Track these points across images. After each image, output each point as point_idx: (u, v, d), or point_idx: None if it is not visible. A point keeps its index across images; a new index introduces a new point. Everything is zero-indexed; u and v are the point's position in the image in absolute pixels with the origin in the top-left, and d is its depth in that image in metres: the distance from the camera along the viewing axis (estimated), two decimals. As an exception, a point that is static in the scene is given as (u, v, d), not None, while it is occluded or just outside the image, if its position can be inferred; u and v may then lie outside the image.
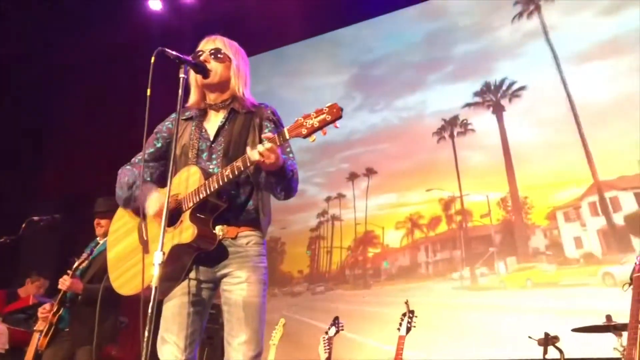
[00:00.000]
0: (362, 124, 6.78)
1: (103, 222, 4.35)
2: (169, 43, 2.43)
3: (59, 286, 4.01)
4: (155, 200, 2.35)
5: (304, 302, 6.46)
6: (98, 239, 4.40)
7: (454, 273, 5.59)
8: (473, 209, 5.70)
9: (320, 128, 2.13)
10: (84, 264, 4.12)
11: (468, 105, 5.97)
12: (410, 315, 3.95)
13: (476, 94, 5.97)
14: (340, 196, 6.81)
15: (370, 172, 6.67)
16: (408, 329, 3.91)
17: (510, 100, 5.73)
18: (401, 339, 3.87)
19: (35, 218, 4.26)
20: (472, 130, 5.92)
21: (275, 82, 7.28)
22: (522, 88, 5.67)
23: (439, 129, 6.13)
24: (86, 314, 3.98)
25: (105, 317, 3.88)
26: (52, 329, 3.99)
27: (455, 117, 6.07)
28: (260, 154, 2.17)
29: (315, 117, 2.13)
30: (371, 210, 6.51)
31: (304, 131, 2.14)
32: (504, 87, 5.81)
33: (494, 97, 5.86)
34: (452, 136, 6.04)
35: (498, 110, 5.82)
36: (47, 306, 4.10)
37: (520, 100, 5.64)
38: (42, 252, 7.02)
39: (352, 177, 6.81)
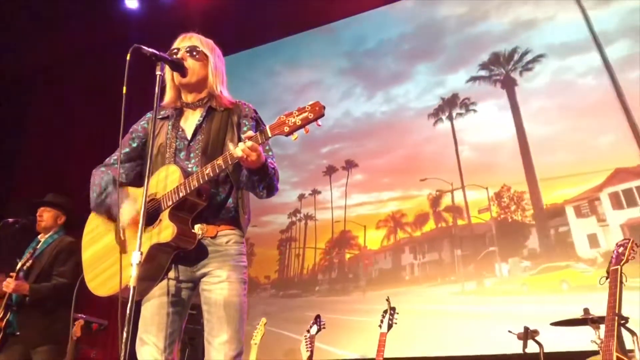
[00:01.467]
0: (341, 115, 6.34)
1: (45, 215, 4.27)
2: (147, 42, 2.40)
3: (4, 289, 3.91)
4: (129, 209, 2.31)
5: (272, 311, 5.83)
6: (39, 237, 4.32)
7: (451, 276, 5.15)
8: (467, 204, 5.26)
9: (302, 126, 2.12)
10: (27, 264, 4.03)
11: (473, 79, 5.42)
12: (392, 312, 3.97)
13: (483, 66, 5.40)
14: (316, 192, 6.24)
15: (350, 164, 6.13)
16: (389, 326, 3.94)
17: (521, 73, 5.17)
18: (382, 336, 3.89)
19: (10, 220, 4.19)
20: (474, 110, 5.41)
21: (258, 79, 6.96)
22: (538, 58, 5.06)
23: (435, 109, 5.64)
24: (36, 315, 3.93)
25: (60, 315, 3.81)
26: (1, 334, 3.91)
27: (455, 96, 5.55)
28: (243, 151, 2.15)
29: (297, 115, 2.12)
30: (350, 207, 6.01)
31: (286, 129, 2.13)
32: (516, 58, 5.22)
33: (503, 69, 5.27)
34: (450, 118, 5.54)
35: (508, 85, 5.26)
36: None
37: (537, 74, 5.03)
38: (18, 255, 6.92)
39: (330, 171, 6.23)
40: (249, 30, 6.76)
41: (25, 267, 4.01)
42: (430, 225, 5.52)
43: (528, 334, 3.51)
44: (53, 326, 3.87)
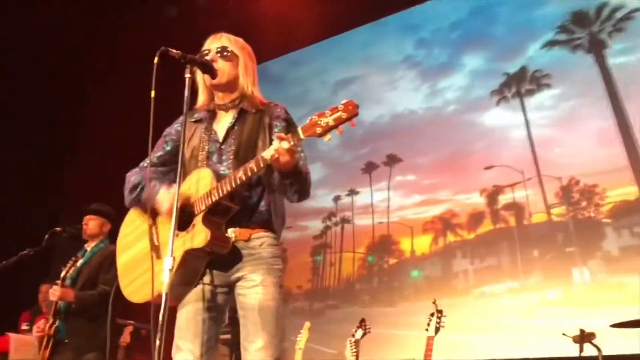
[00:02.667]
0: (382, 110, 5.79)
1: (91, 223, 4.35)
2: (186, 49, 2.40)
3: (50, 297, 4.01)
4: (166, 197, 2.30)
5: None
6: (86, 245, 4.40)
7: (513, 282, 4.61)
8: (532, 199, 4.72)
9: (335, 126, 2.05)
10: (71, 272, 4.10)
11: (550, 44, 4.65)
12: (439, 315, 3.87)
13: (560, 29, 4.62)
14: (353, 193, 5.71)
15: (392, 160, 5.54)
16: (437, 330, 3.83)
17: (610, 35, 4.36)
18: (430, 339, 3.79)
19: (58, 229, 4.28)
20: (547, 85, 4.70)
21: (302, 78, 6.58)
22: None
23: (501, 85, 4.98)
24: (83, 322, 3.99)
25: (105, 322, 3.87)
26: (51, 341, 3.98)
27: (524, 69, 4.85)
28: (276, 151, 2.10)
29: (330, 115, 2.06)
30: (394, 209, 5.52)
31: (319, 130, 2.07)
32: (604, 16, 4.37)
33: (586, 32, 4.41)
34: (519, 95, 4.87)
35: (594, 49, 4.41)
36: (40, 324, 4.12)
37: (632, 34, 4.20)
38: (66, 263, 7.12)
39: (370, 168, 5.64)
40: (286, 34, 6.71)
41: (69, 275, 4.08)
42: (486, 225, 5.02)
43: (584, 337, 3.33)
44: (99, 333, 3.93)
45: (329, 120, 2.06)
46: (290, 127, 2.42)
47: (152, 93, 2.13)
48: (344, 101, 2.07)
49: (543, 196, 4.74)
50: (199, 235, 2.20)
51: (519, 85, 4.91)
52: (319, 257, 5.77)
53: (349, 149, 5.95)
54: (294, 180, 2.27)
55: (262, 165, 2.17)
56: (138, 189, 2.44)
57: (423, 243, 5.37)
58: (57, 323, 4.03)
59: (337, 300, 5.63)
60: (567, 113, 4.75)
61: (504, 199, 4.93)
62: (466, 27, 5.70)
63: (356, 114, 2.05)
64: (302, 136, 2.10)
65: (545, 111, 4.90)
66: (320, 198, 5.94)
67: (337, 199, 5.86)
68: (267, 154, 2.13)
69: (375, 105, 5.97)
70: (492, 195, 5.03)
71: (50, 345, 3.96)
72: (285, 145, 2.10)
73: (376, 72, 6.25)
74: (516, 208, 4.88)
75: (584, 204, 4.50)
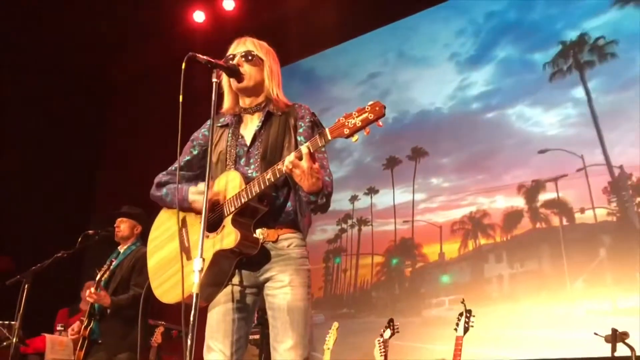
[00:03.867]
0: (405, 106, 5.42)
1: (122, 226, 4.44)
2: (215, 54, 2.44)
3: (87, 298, 4.11)
4: (197, 195, 2.36)
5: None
6: (119, 247, 4.49)
7: (558, 291, 4.16)
8: (573, 197, 4.26)
9: (363, 127, 2.08)
10: (105, 276, 4.19)
11: (618, 2, 3.99)
12: (468, 315, 3.84)
13: None
14: (372, 191, 5.26)
15: (418, 154, 5.10)
16: (466, 329, 3.81)
17: None
18: (459, 339, 3.77)
19: (90, 232, 4.37)
20: (613, 55, 4.10)
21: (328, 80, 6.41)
22: None
23: (555, 56, 4.45)
24: (116, 323, 4.09)
25: (137, 324, 3.95)
26: (86, 342, 4.09)
27: (583, 36, 4.28)
28: (287, 165, 2.15)
29: (357, 117, 2.09)
30: (419, 208, 5.18)
31: (346, 131, 2.09)
32: None
33: None
34: (579, 67, 4.29)
35: None
36: (74, 327, 4.23)
37: None
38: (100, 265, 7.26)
39: (391, 164, 5.21)
40: (312, 36, 6.71)
41: (104, 278, 4.18)
42: (524, 225, 4.65)
43: (617, 337, 3.28)
44: (132, 333, 4.01)
45: (357, 121, 2.08)
46: (316, 128, 2.45)
47: (181, 98, 2.17)
48: (370, 102, 2.10)
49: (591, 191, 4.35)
50: (228, 236, 2.24)
51: (578, 55, 4.38)
52: (337, 258, 5.44)
53: (369, 146, 5.55)
54: (314, 199, 2.29)
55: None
56: (165, 187, 2.51)
57: (451, 246, 5.10)
58: (91, 324, 4.13)
59: (353, 309, 5.33)
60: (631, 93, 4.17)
61: (543, 196, 4.54)
62: (502, 16, 5.42)
63: (383, 115, 2.07)
64: (329, 137, 2.13)
65: (605, 87, 4.42)
66: (335, 198, 5.84)
67: (353, 199, 5.49)
68: (283, 165, 2.18)
69: (402, 101, 5.77)
70: (531, 191, 4.67)
71: (85, 346, 4.06)
72: (294, 160, 2.13)
73: (407, 68, 6.03)
74: (559, 205, 4.48)
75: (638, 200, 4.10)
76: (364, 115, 2.08)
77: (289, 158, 2.16)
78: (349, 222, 5.39)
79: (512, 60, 5.17)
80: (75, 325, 4.23)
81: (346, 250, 5.50)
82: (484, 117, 5.20)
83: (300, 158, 2.15)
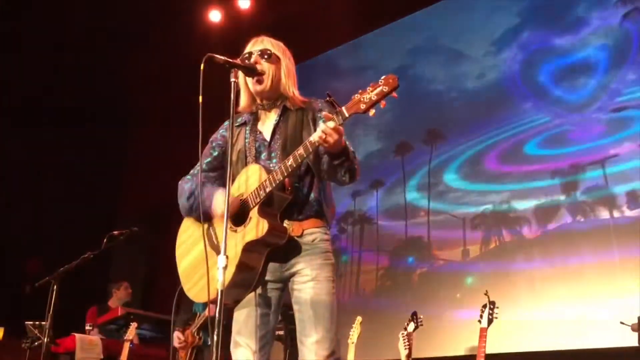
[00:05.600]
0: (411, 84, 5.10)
1: None
2: (232, 53, 2.48)
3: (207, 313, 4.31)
4: (222, 199, 2.36)
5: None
6: None
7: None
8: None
9: (378, 101, 2.14)
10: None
11: None
12: (492, 307, 3.84)
13: None
14: (378, 184, 4.79)
15: (434, 137, 4.65)
16: (490, 321, 3.80)
17: None
18: (483, 331, 3.77)
19: (115, 232, 4.42)
20: None
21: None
22: None
23: None
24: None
25: None
26: (195, 350, 4.39)
27: None
28: (323, 131, 2.16)
29: (372, 91, 2.15)
30: (436, 201, 4.81)
31: (363, 106, 2.15)
32: None
33: None
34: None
35: None
36: (181, 336, 4.43)
37: None
38: (129, 265, 7.39)
39: (402, 149, 4.75)
40: (328, 33, 6.68)
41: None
42: (560, 218, 4.29)
43: (643, 325, 3.25)
44: None
45: (372, 95, 2.14)
46: (333, 108, 2.46)
47: (200, 98, 2.21)
48: (383, 76, 2.15)
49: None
50: (257, 226, 2.27)
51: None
52: (344, 256, 5.06)
53: (379, 134, 5.04)
54: (344, 159, 2.31)
55: (310, 149, 2.23)
56: (194, 197, 2.50)
57: (473, 243, 4.80)
58: (201, 335, 4.44)
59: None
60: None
61: (584, 180, 4.15)
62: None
63: (397, 86, 2.12)
64: (346, 114, 2.18)
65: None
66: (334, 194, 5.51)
67: (355, 194, 5.01)
68: (315, 137, 2.20)
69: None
70: (569, 177, 4.35)
71: (194, 354, 4.36)
72: (332, 124, 2.16)
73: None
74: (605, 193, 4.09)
75: None
76: (379, 89, 2.13)
77: (325, 125, 2.15)
78: (350, 219, 4.98)
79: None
80: (187, 335, 4.43)
81: (348, 250, 5.24)
82: (510, 94, 4.93)
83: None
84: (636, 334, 3.29)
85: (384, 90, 2.12)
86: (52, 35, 6.82)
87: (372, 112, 2.16)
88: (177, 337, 4.39)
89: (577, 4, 4.93)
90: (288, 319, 4.29)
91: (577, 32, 4.84)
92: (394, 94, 2.13)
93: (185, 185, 2.58)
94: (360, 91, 2.17)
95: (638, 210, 4.14)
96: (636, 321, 3.31)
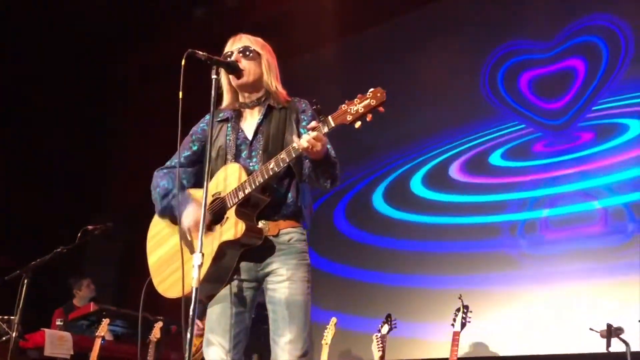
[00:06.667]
0: None
1: None
2: (218, 51, 2.47)
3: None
4: (192, 213, 2.35)
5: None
6: None
7: None
8: None
9: (365, 114, 2.14)
10: None
11: None
12: (465, 311, 3.88)
13: None
14: (349, 188, 5.26)
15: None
16: (463, 325, 3.85)
17: None
18: (456, 335, 3.81)
19: (90, 227, 4.36)
20: None
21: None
22: None
23: None
24: None
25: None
26: None
27: None
28: (308, 142, 2.17)
29: (359, 103, 2.14)
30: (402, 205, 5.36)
31: (349, 118, 2.15)
32: None
33: None
34: None
35: None
36: (200, 324, 4.26)
37: None
38: (102, 261, 7.28)
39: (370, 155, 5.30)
40: (317, 30, 6.61)
41: None
42: (532, 226, 4.77)
43: (612, 332, 3.31)
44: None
45: (359, 107, 2.14)
46: (319, 117, 2.46)
47: (180, 94, 2.19)
48: (372, 89, 2.15)
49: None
50: (234, 227, 2.26)
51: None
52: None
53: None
54: (326, 167, 2.33)
55: (293, 155, 2.23)
56: (169, 197, 2.47)
57: (447, 247, 5.19)
58: None
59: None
60: None
61: None
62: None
63: (384, 101, 2.12)
64: (332, 124, 2.18)
65: None
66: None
67: (323, 197, 5.45)
68: (301, 142, 2.19)
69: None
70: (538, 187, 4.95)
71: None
72: (316, 134, 2.16)
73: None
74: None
75: None
76: (367, 102, 2.13)
77: (308, 135, 2.17)
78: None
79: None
80: (201, 323, 4.31)
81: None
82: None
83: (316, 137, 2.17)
84: (604, 340, 3.35)
85: (372, 103, 2.12)
86: (35, 29, 6.72)
87: (358, 124, 2.15)
88: (197, 325, 4.34)
89: (547, 16, 5.18)
90: (259, 319, 4.28)
91: (548, 43, 5.10)
92: (381, 108, 2.13)
93: (161, 182, 2.53)
94: (347, 101, 2.17)
95: (608, 219, 4.46)
96: (605, 327, 3.37)
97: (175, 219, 2.43)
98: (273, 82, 2.52)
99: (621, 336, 3.34)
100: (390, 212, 5.61)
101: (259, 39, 2.59)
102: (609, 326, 3.35)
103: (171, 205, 2.45)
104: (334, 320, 4.33)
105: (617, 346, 3.34)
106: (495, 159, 5.11)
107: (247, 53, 2.49)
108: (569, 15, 5.07)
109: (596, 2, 4.97)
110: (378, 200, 5.73)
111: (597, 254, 4.45)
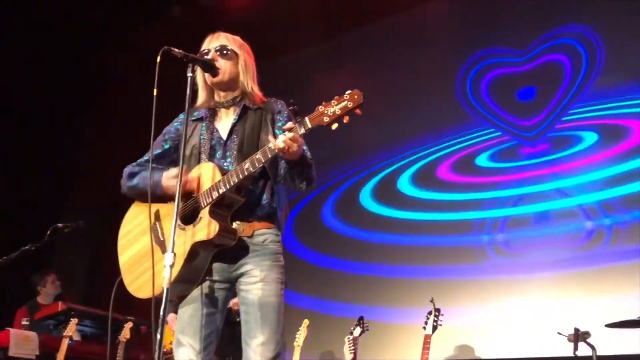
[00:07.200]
0: None
1: None
2: (194, 50, 2.45)
3: None
4: (170, 182, 2.32)
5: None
6: None
7: None
8: None
9: (342, 115, 2.14)
10: None
11: None
12: (437, 314, 3.90)
13: None
14: (336, 186, 5.53)
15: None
16: (434, 328, 3.87)
17: None
18: (427, 337, 3.83)
19: (60, 225, 4.28)
20: None
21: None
22: None
23: None
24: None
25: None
26: None
27: None
28: (284, 142, 2.16)
29: (336, 105, 2.15)
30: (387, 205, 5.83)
31: (326, 119, 2.15)
32: None
33: None
34: None
35: None
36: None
37: None
38: (73, 260, 7.16)
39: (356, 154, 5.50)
40: (297, 31, 6.60)
41: None
42: (508, 227, 4.96)
43: (579, 336, 3.37)
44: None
45: (336, 109, 2.15)
46: (291, 119, 2.44)
47: (155, 91, 2.17)
48: (349, 91, 2.16)
49: None
50: (207, 227, 2.24)
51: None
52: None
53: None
54: (302, 168, 2.32)
55: (269, 155, 2.22)
56: (136, 176, 2.47)
57: (421, 249, 5.35)
58: None
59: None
60: None
61: None
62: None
63: (362, 103, 2.13)
64: (309, 125, 2.18)
65: None
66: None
67: (307, 194, 5.60)
68: (277, 143, 2.18)
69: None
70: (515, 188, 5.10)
71: None
72: (293, 135, 2.16)
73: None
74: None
75: None
76: (344, 104, 2.14)
77: (285, 135, 2.17)
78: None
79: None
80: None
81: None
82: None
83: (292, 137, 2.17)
84: (572, 344, 3.41)
85: (349, 105, 2.13)
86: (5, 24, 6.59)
87: (334, 126, 2.16)
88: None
89: (526, 23, 5.34)
90: (230, 322, 4.26)
91: (525, 51, 5.24)
92: (358, 111, 2.14)
93: (129, 169, 2.53)
94: (324, 103, 2.17)
95: (580, 221, 4.61)
96: (572, 332, 3.43)
97: (147, 207, 2.35)
98: (249, 82, 2.50)
99: (588, 340, 3.40)
100: (377, 208, 5.71)
101: (238, 38, 2.57)
102: (577, 330, 3.41)
103: (139, 184, 2.44)
104: (306, 322, 4.33)
105: (584, 350, 3.40)
106: (482, 160, 5.23)
107: (225, 52, 2.47)
108: (543, 24, 5.19)
109: (570, 12, 5.08)
110: (365, 197, 5.81)
111: (568, 258, 4.57)
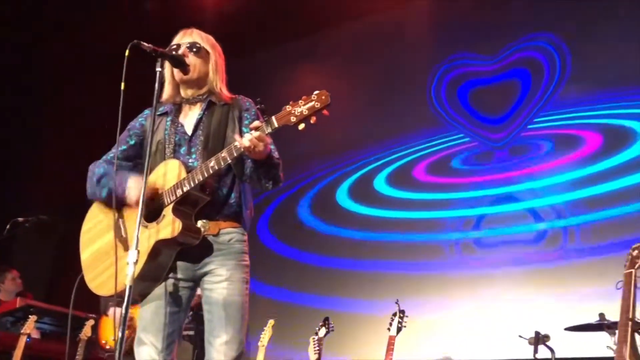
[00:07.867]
0: None
1: None
2: (163, 41, 2.41)
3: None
4: (135, 186, 2.28)
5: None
6: None
7: None
8: None
9: (309, 116, 2.12)
10: None
11: None
12: (401, 315, 3.94)
13: None
14: (315, 183, 5.70)
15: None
16: (399, 329, 3.90)
17: None
18: (391, 339, 3.85)
19: (20, 219, 4.18)
20: None
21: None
22: None
23: None
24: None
25: None
26: None
27: None
28: (250, 141, 2.13)
29: (303, 105, 2.13)
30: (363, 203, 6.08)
31: (293, 119, 2.13)
32: None
33: None
34: None
35: None
36: None
37: None
38: (35, 255, 6.97)
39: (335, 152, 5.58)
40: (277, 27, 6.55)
41: None
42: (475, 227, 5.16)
43: (539, 339, 3.44)
44: None
45: (303, 109, 2.12)
46: (258, 118, 2.42)
47: (122, 85, 2.13)
48: (317, 91, 2.14)
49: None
50: (170, 225, 2.21)
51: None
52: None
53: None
54: (269, 167, 2.31)
55: (235, 154, 2.19)
56: (103, 180, 2.41)
57: (390, 247, 5.43)
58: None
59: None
60: None
61: None
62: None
63: (329, 104, 2.12)
64: (276, 124, 2.16)
65: None
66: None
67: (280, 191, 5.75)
68: (243, 141, 2.15)
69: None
70: (486, 190, 5.24)
71: None
72: (259, 134, 2.14)
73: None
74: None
75: None
76: (311, 104, 2.12)
77: (251, 134, 2.14)
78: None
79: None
80: None
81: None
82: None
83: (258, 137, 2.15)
84: (532, 347, 3.48)
85: (316, 106, 2.11)
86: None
87: (301, 126, 2.13)
88: None
89: (500, 30, 5.47)
90: (198, 319, 4.23)
91: (497, 57, 5.39)
92: (326, 112, 2.13)
93: (96, 169, 2.46)
94: (291, 102, 2.15)
95: (548, 223, 4.78)
96: (533, 335, 3.50)
97: (111, 205, 2.32)
98: (218, 82, 2.47)
99: (547, 343, 3.48)
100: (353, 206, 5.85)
101: (211, 37, 2.54)
102: (537, 333, 3.49)
103: (109, 187, 2.36)
104: (271, 322, 4.31)
105: (543, 352, 3.47)
106: (456, 162, 5.39)
107: (195, 49, 2.44)
108: (513, 32, 5.31)
109: (539, 21, 5.19)
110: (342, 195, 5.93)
111: (530, 264, 4.73)
